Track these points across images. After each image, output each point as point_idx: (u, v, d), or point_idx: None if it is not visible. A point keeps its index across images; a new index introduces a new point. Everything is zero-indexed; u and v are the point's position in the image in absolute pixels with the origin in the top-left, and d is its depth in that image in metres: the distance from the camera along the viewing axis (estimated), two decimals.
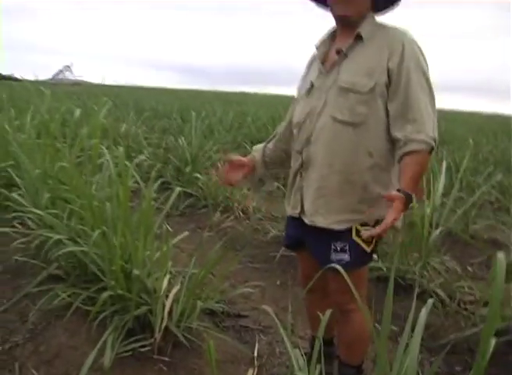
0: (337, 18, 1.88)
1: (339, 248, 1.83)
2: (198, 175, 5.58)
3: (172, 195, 2.62)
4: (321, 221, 1.84)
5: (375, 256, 2.08)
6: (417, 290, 3.05)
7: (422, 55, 1.76)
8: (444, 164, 3.99)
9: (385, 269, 3.40)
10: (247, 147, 7.51)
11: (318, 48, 1.99)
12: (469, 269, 3.96)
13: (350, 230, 1.82)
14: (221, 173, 2.23)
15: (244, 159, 2.20)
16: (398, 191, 1.61)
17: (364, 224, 1.82)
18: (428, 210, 3.52)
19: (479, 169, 7.00)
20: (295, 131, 1.98)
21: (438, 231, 3.44)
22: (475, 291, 3.26)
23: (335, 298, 1.95)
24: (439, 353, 2.63)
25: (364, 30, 1.80)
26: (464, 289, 3.30)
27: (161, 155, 6.23)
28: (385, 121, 1.76)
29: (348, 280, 1.46)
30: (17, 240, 3.06)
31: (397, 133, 1.72)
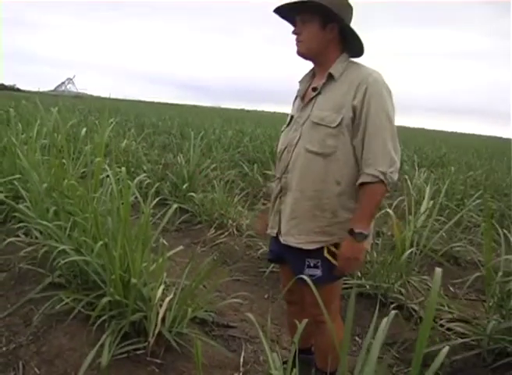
0: (300, 57, 2.11)
1: (312, 264, 2.05)
2: (195, 192, 5.80)
3: (169, 211, 2.82)
4: (292, 241, 2.07)
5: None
6: (392, 305, 3.29)
7: (387, 93, 1.95)
8: (428, 188, 4.20)
9: (367, 287, 3.60)
10: (244, 166, 7.73)
11: (300, 83, 2.23)
12: (451, 289, 4.15)
13: (322, 248, 2.03)
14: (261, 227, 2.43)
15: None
16: (350, 230, 1.90)
17: (335, 245, 2.03)
18: (409, 232, 3.72)
19: (469, 192, 7.21)
20: (277, 160, 2.23)
21: (417, 251, 3.63)
22: (454, 310, 3.43)
23: (309, 310, 2.15)
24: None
25: (335, 70, 2.02)
26: (444, 307, 3.47)
27: (160, 172, 6.43)
28: (353, 152, 1.97)
29: (316, 294, 1.71)
30: (23, 249, 3.26)
31: (357, 165, 1.96)
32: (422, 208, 4.02)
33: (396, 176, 1.91)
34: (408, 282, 3.60)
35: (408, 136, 26.60)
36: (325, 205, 1.99)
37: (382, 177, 1.87)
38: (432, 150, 15.42)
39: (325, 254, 2.03)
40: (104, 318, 2.43)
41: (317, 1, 1.92)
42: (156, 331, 2.34)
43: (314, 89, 2.08)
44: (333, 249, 2.02)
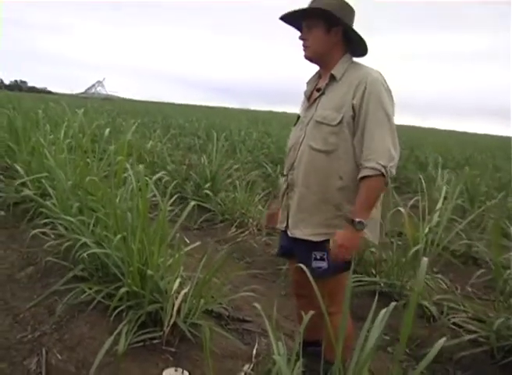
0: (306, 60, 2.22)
1: (318, 257, 2.15)
2: (217, 192, 5.92)
3: (187, 208, 2.93)
4: (299, 233, 2.19)
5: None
6: (401, 302, 3.33)
7: (386, 92, 2.04)
8: (444, 188, 4.23)
9: (382, 284, 3.66)
10: (268, 167, 7.82)
11: (307, 84, 2.34)
12: (468, 288, 4.16)
13: (327, 241, 2.11)
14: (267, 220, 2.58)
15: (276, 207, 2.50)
16: (349, 220, 1.98)
17: None
18: (425, 229, 3.76)
19: (493, 194, 7.17)
20: (285, 157, 2.34)
21: (430, 250, 3.67)
22: (468, 309, 3.46)
23: (316, 302, 2.23)
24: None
25: (336, 71, 2.13)
26: (460, 306, 3.50)
27: (183, 172, 6.56)
28: (353, 149, 2.06)
29: (315, 287, 1.82)
30: (48, 243, 3.42)
31: (358, 159, 2.03)
32: (437, 208, 4.05)
33: (394, 171, 1.99)
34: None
35: (437, 138, 26.37)
36: (329, 199, 2.09)
37: (382, 171, 1.95)
38: (458, 152, 15.27)
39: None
40: (122, 308, 2.56)
41: (320, 8, 2.03)
42: (171, 322, 2.46)
43: (318, 90, 2.20)
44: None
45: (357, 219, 1.97)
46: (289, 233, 2.24)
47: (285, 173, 2.29)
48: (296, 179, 2.18)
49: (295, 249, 2.27)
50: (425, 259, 1.38)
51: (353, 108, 2.03)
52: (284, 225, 2.29)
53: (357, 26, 2.12)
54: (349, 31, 2.12)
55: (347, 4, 2.12)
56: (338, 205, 2.10)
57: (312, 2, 2.11)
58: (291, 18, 2.18)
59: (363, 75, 2.05)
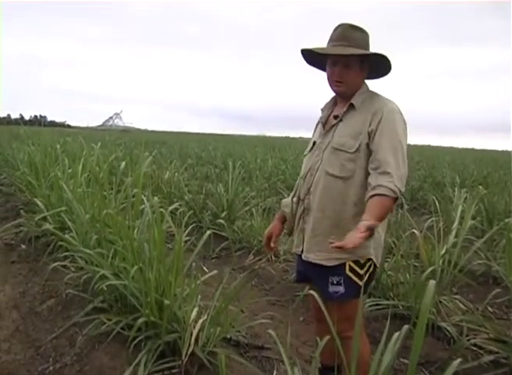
0: (334, 92, 2.29)
1: (335, 281, 2.17)
2: (234, 220, 5.96)
3: (203, 238, 2.98)
4: (313, 257, 2.22)
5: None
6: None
7: (401, 122, 2.11)
8: (460, 207, 4.23)
9: (400, 307, 3.64)
10: (284, 194, 7.85)
11: (322, 111, 2.39)
12: (489, 309, 4.12)
13: (344, 265, 2.15)
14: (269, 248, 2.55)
15: (276, 227, 2.50)
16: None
17: (356, 261, 2.16)
18: (441, 250, 3.75)
19: None
20: (301, 182, 2.36)
21: (447, 271, 3.65)
22: (489, 329, 3.42)
23: (335, 326, 2.25)
24: None
25: (355, 100, 2.19)
26: (481, 327, 3.46)
27: (200, 201, 6.62)
28: (367, 175, 2.09)
29: (325, 312, 1.83)
30: (68, 276, 3.49)
31: (370, 181, 2.04)
32: (453, 227, 4.04)
33: (401, 192, 2.02)
34: (440, 302, 3.62)
35: (455, 156, 26.19)
36: (343, 224, 2.12)
37: (398, 194, 1.98)
38: (476, 169, 15.14)
39: (347, 271, 2.16)
40: (140, 338, 2.60)
41: (374, 53, 2.14)
42: (189, 351, 2.49)
43: (335, 117, 2.25)
44: (355, 267, 2.15)
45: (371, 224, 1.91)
46: (303, 257, 2.27)
47: (301, 197, 2.30)
48: (312, 203, 2.22)
49: (311, 274, 2.30)
50: (433, 282, 1.40)
51: (369, 135, 2.09)
52: (300, 249, 2.31)
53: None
54: (376, 66, 2.22)
55: (367, 33, 2.22)
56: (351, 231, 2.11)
57: (343, 40, 2.15)
58: (316, 55, 2.23)
59: (380, 105, 2.12)
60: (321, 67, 2.33)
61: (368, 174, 2.09)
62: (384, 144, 2.04)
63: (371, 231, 1.89)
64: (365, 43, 2.18)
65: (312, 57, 2.30)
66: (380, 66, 2.23)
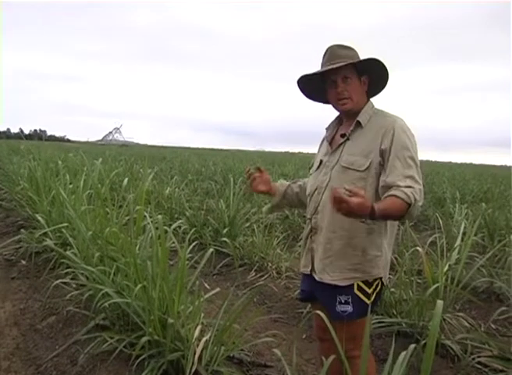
0: (341, 112, 2.30)
1: (343, 301, 2.16)
2: (235, 236, 5.94)
3: (205, 255, 2.97)
4: (327, 278, 2.19)
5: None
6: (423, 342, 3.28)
7: (410, 137, 2.10)
8: (463, 224, 4.21)
9: (404, 325, 3.61)
10: (285, 210, 7.83)
11: (327, 130, 2.40)
12: (492, 326, 4.09)
13: (352, 285, 2.15)
14: (252, 179, 2.52)
15: (269, 180, 2.54)
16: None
17: (365, 281, 2.16)
18: (443, 268, 3.73)
19: None
20: (307, 200, 2.36)
21: (451, 288, 3.63)
22: (493, 347, 3.39)
23: (341, 346, 2.23)
24: None
25: (362, 118, 2.19)
26: (485, 345, 3.44)
27: (201, 218, 6.60)
28: (378, 193, 2.08)
29: (332, 332, 1.83)
30: (69, 293, 3.46)
31: (389, 180, 2.00)
32: (456, 244, 4.03)
33: (417, 212, 1.98)
34: (444, 319, 3.60)
35: (454, 171, 26.20)
36: (356, 244, 2.12)
37: (412, 201, 1.92)
38: (476, 185, 15.14)
39: (355, 291, 2.15)
40: (143, 357, 2.57)
41: (358, 60, 2.16)
42: (193, 370, 2.46)
43: (342, 135, 2.24)
44: (363, 286, 2.15)
45: (376, 209, 1.86)
46: (316, 277, 2.24)
47: (308, 216, 2.30)
48: (321, 223, 2.21)
49: (318, 293, 2.29)
50: (440, 302, 1.39)
51: (381, 153, 2.07)
52: (308, 269, 2.30)
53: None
54: (374, 78, 2.23)
55: (356, 50, 2.23)
56: (364, 250, 2.13)
57: (334, 58, 2.17)
58: (310, 79, 2.26)
59: (389, 122, 2.11)
60: (321, 98, 2.36)
61: (377, 192, 2.08)
62: (398, 164, 2.02)
63: (365, 209, 1.82)
64: (356, 58, 2.19)
65: (310, 88, 2.33)
66: (378, 76, 2.23)
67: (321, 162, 2.34)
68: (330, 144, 2.32)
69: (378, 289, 2.19)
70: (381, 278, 2.18)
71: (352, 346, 2.14)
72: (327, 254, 2.19)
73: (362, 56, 2.20)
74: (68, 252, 3.67)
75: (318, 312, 2.03)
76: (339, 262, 2.16)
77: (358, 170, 2.10)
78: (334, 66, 2.13)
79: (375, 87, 2.28)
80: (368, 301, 2.15)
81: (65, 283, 3.67)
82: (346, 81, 2.17)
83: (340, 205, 1.80)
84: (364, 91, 2.24)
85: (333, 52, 2.19)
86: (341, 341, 2.22)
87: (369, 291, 2.16)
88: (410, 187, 1.96)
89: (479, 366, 3.20)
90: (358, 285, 2.15)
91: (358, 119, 2.19)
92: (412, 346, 1.78)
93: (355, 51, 2.22)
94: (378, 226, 2.12)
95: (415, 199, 1.94)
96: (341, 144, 2.23)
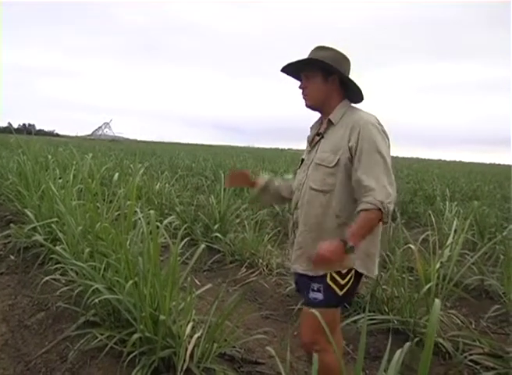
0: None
1: (315, 288, 2.23)
2: (226, 232, 5.91)
3: (197, 252, 2.94)
4: (299, 268, 2.30)
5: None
6: (415, 339, 3.28)
7: (380, 134, 2.16)
8: (455, 221, 4.21)
9: (395, 322, 3.61)
10: (275, 206, 7.82)
11: (311, 129, 2.48)
12: (482, 323, 4.09)
13: (325, 274, 2.20)
14: (231, 175, 2.70)
15: (247, 175, 2.66)
16: (343, 240, 2.02)
17: (337, 272, 2.20)
18: (435, 266, 3.73)
19: (503, 225, 7.12)
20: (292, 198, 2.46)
21: (443, 286, 3.63)
22: (484, 344, 3.39)
23: (306, 338, 2.24)
24: None
25: (334, 116, 2.29)
26: (476, 342, 3.43)
27: (192, 213, 6.56)
28: (349, 189, 2.17)
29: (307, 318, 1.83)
30: (59, 289, 3.42)
31: (356, 197, 2.13)
32: (448, 242, 4.03)
33: (392, 207, 2.07)
34: None
35: (444, 169, 26.34)
36: (326, 237, 2.15)
37: (379, 206, 2.03)
38: (465, 183, 15.23)
39: (328, 280, 2.20)
40: (135, 354, 2.54)
41: (317, 59, 2.21)
42: (184, 367, 2.45)
43: (318, 134, 2.35)
44: (336, 277, 2.20)
45: (351, 244, 2.01)
46: (291, 268, 2.38)
47: (291, 211, 2.44)
48: (300, 218, 2.31)
49: (298, 282, 2.41)
50: (438, 301, 1.38)
51: (349, 150, 2.15)
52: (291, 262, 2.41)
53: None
54: (345, 79, 2.28)
55: (343, 55, 2.29)
56: None
57: (309, 54, 2.28)
58: (292, 69, 2.34)
59: (356, 119, 2.19)
60: None
61: (348, 187, 2.17)
62: (364, 160, 2.10)
63: (348, 249, 2.00)
64: (332, 58, 2.23)
65: (297, 76, 2.39)
66: (356, 89, 2.29)
67: (302, 160, 2.46)
68: (310, 143, 2.42)
69: (352, 280, 2.23)
70: (355, 270, 2.22)
71: (317, 336, 2.17)
72: (299, 245, 2.31)
73: (347, 55, 2.29)
74: (57, 247, 3.63)
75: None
76: (309, 254, 2.20)
77: (328, 166, 2.21)
78: (291, 62, 2.26)
79: (354, 93, 2.33)
80: (339, 292, 2.21)
81: (54, 279, 3.62)
82: (308, 80, 2.29)
83: (322, 264, 2.03)
84: (329, 90, 2.29)
85: (311, 53, 2.29)
86: (309, 328, 2.22)
87: (342, 282, 2.21)
88: (373, 189, 2.04)
89: (471, 364, 3.20)
90: (331, 275, 2.20)
91: (330, 117, 2.28)
92: (407, 344, 1.77)
93: (333, 51, 2.28)
94: (350, 220, 2.16)
95: (381, 202, 2.03)
96: (317, 142, 2.34)
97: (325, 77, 2.25)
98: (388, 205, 2.04)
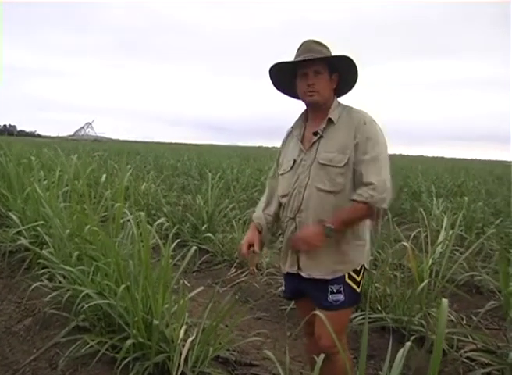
0: (309, 105, 2.32)
1: (335, 290, 2.18)
2: (214, 232, 5.86)
3: (188, 254, 2.88)
4: (317, 274, 2.21)
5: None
6: (412, 337, 3.26)
7: (380, 131, 2.19)
8: (445, 218, 4.20)
9: (389, 320, 3.58)
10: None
11: (294, 128, 2.40)
12: (473, 318, 4.08)
13: (344, 275, 2.18)
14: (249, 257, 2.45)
15: (256, 235, 2.42)
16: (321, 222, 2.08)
17: (354, 270, 2.20)
18: (427, 263, 3.72)
19: (490, 220, 7.18)
20: (284, 201, 2.33)
21: (435, 282, 3.62)
22: (477, 340, 3.38)
23: (328, 341, 2.19)
24: None
25: (332, 114, 2.24)
26: (468, 338, 3.42)
27: (179, 214, 6.50)
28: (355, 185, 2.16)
29: (325, 321, 1.84)
30: (47, 294, 3.33)
31: (358, 173, 2.13)
32: (440, 239, 4.02)
33: (386, 201, 2.10)
34: (429, 314, 3.58)
35: (427, 165, 26.48)
36: (341, 237, 2.16)
37: (369, 199, 2.05)
38: (450, 179, 15.31)
39: (347, 279, 2.19)
40: (128, 360, 2.48)
41: (332, 55, 2.21)
42: (179, 371, 2.39)
43: (315, 133, 2.25)
44: (353, 275, 2.20)
45: (328, 224, 2.07)
46: (304, 275, 2.24)
47: (291, 216, 2.28)
48: (307, 221, 2.20)
49: (307, 288, 2.28)
50: (445, 300, 1.35)
51: (355, 148, 2.13)
52: (295, 268, 2.28)
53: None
54: (342, 76, 2.27)
55: (329, 48, 2.27)
56: (347, 242, 2.19)
57: (309, 52, 2.20)
58: (290, 66, 2.27)
59: (359, 117, 2.19)
60: (289, 90, 2.39)
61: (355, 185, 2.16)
62: (368, 157, 2.11)
63: (327, 231, 2.06)
64: (330, 55, 2.24)
65: (280, 78, 2.36)
66: (348, 76, 2.28)
67: (294, 161, 2.32)
68: (302, 142, 2.32)
69: (363, 275, 2.27)
70: (364, 265, 2.25)
71: (339, 337, 2.12)
72: (315, 250, 2.18)
73: (336, 54, 2.24)
74: (44, 251, 3.55)
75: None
76: (328, 257, 2.19)
77: (337, 166, 2.16)
78: (309, 58, 2.17)
79: (344, 87, 2.33)
80: (357, 289, 2.23)
81: (41, 283, 3.54)
82: (317, 75, 2.21)
83: (301, 245, 2.11)
84: (332, 88, 2.28)
85: (308, 46, 2.24)
86: (330, 331, 2.19)
87: (358, 278, 2.22)
88: (372, 184, 2.06)
89: (466, 360, 3.19)
90: (349, 274, 2.20)
91: (330, 116, 2.23)
92: (408, 344, 1.74)
93: (328, 48, 2.27)
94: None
95: (372, 196, 2.06)
96: (315, 142, 2.25)
97: (330, 74, 2.23)
98: (381, 198, 2.07)
